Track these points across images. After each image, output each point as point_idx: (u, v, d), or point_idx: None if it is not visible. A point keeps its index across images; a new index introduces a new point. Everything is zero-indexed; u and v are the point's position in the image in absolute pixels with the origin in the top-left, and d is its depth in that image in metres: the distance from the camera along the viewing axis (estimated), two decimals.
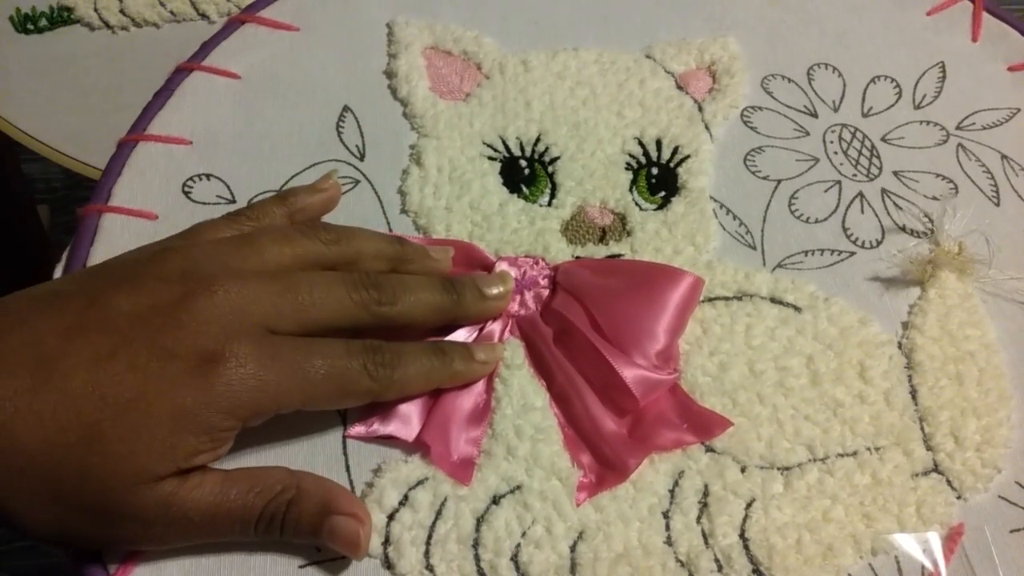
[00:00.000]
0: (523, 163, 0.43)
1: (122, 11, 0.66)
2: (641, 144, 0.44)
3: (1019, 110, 0.46)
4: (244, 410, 0.30)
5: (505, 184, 0.42)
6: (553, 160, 0.43)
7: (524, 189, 0.42)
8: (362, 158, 0.43)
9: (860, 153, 0.45)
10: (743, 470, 0.34)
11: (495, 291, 0.37)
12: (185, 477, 0.30)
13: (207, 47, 0.47)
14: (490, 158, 0.43)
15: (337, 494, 0.32)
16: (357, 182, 0.43)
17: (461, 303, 0.36)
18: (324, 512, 0.31)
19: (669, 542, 0.33)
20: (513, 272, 0.38)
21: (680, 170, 0.43)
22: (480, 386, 0.36)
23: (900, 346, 0.38)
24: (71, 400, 0.29)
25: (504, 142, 0.43)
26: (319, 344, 0.32)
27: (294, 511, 0.31)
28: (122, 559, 0.32)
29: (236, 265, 0.33)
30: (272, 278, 0.33)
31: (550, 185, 0.42)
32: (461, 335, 0.37)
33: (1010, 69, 0.48)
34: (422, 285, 0.36)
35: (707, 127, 0.45)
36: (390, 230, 0.41)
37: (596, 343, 0.35)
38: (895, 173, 0.44)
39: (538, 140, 0.43)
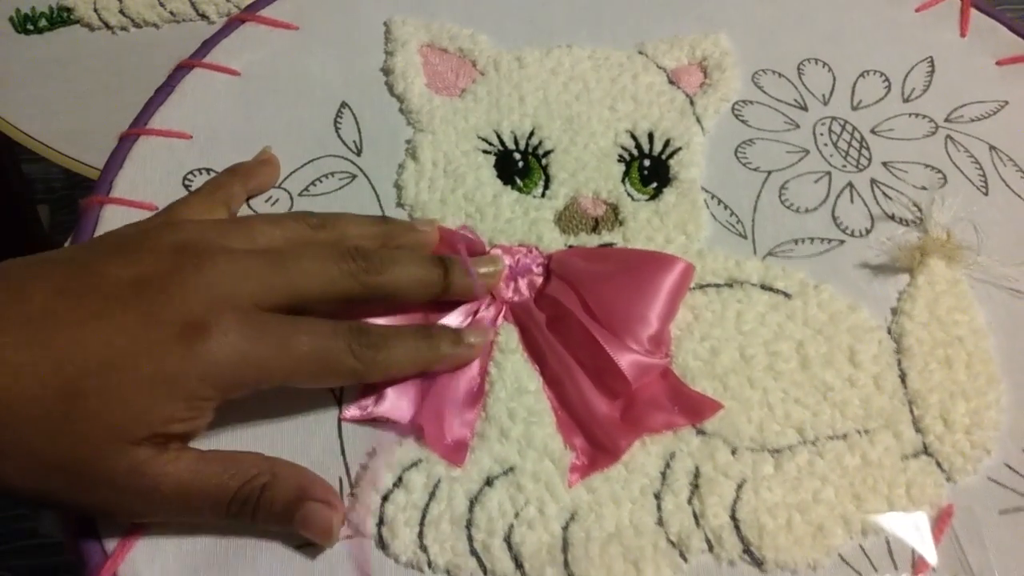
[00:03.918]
0: (517, 156, 0.43)
1: (122, 11, 0.66)
2: (633, 137, 0.44)
3: (1007, 103, 0.47)
4: (224, 380, 0.31)
5: (499, 176, 0.43)
6: (547, 153, 0.43)
7: (518, 181, 0.43)
8: (359, 153, 0.44)
9: (850, 145, 0.45)
10: (734, 452, 0.35)
11: (483, 270, 0.37)
12: (161, 449, 0.31)
13: (208, 45, 0.48)
14: (484, 152, 0.44)
15: (311, 481, 0.33)
16: (354, 177, 0.43)
17: (449, 278, 0.36)
18: (298, 498, 0.32)
19: (660, 522, 0.33)
20: (507, 260, 0.39)
21: (672, 162, 0.43)
22: (474, 369, 0.36)
23: (889, 331, 0.39)
24: (53, 356, 0.29)
25: (499, 136, 0.44)
26: (306, 322, 0.33)
27: (268, 495, 0.32)
28: (119, 540, 0.32)
29: (227, 242, 0.34)
30: (261, 254, 0.33)
31: (544, 177, 0.43)
32: (455, 321, 0.37)
33: (998, 63, 0.49)
34: (410, 258, 0.36)
35: (698, 120, 0.45)
36: None
37: (590, 327, 0.36)
38: (884, 164, 0.45)
39: (532, 134, 0.44)
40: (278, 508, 0.32)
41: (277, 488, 0.32)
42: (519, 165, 0.43)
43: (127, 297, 0.31)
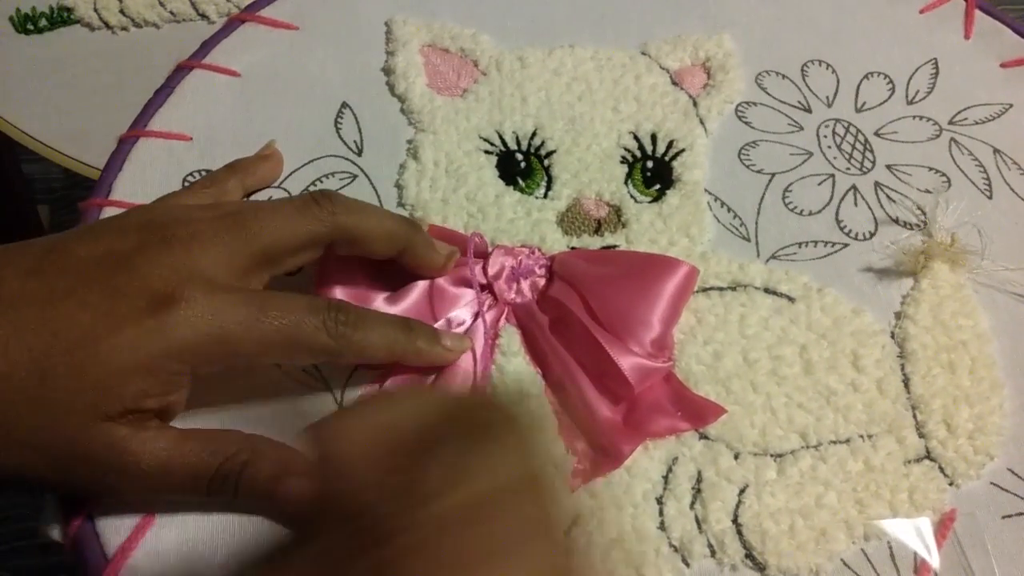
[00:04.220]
0: (519, 157, 0.43)
1: (122, 11, 0.66)
2: (636, 138, 0.44)
3: (1011, 105, 0.47)
4: (192, 354, 0.31)
5: (501, 177, 0.43)
6: (549, 154, 0.43)
7: (520, 182, 0.43)
8: (360, 153, 0.44)
9: (853, 147, 0.45)
10: (736, 457, 0.35)
11: (445, 251, 0.38)
12: (140, 427, 0.31)
13: (207, 45, 0.48)
14: (486, 152, 0.43)
15: (292, 456, 0.33)
16: (355, 177, 0.43)
17: (413, 240, 0.36)
18: (280, 474, 0.32)
19: (663, 527, 0.33)
20: (510, 261, 0.39)
21: (675, 164, 0.43)
22: (476, 372, 0.36)
23: (893, 335, 0.38)
24: (23, 335, 0.29)
25: (500, 136, 0.44)
26: (278, 296, 0.33)
27: (249, 472, 0.32)
28: (119, 545, 0.32)
29: (193, 217, 0.34)
30: (221, 218, 0.33)
31: (546, 178, 0.43)
32: (461, 317, 0.37)
33: (1003, 66, 0.49)
34: (377, 208, 0.37)
35: (702, 122, 0.45)
36: None
37: (592, 330, 0.36)
38: (888, 167, 0.44)
39: (534, 134, 0.44)
40: (259, 484, 0.32)
41: (258, 465, 0.32)
42: (521, 166, 0.43)
43: (94, 274, 0.31)
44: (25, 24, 0.66)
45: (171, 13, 0.66)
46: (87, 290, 0.30)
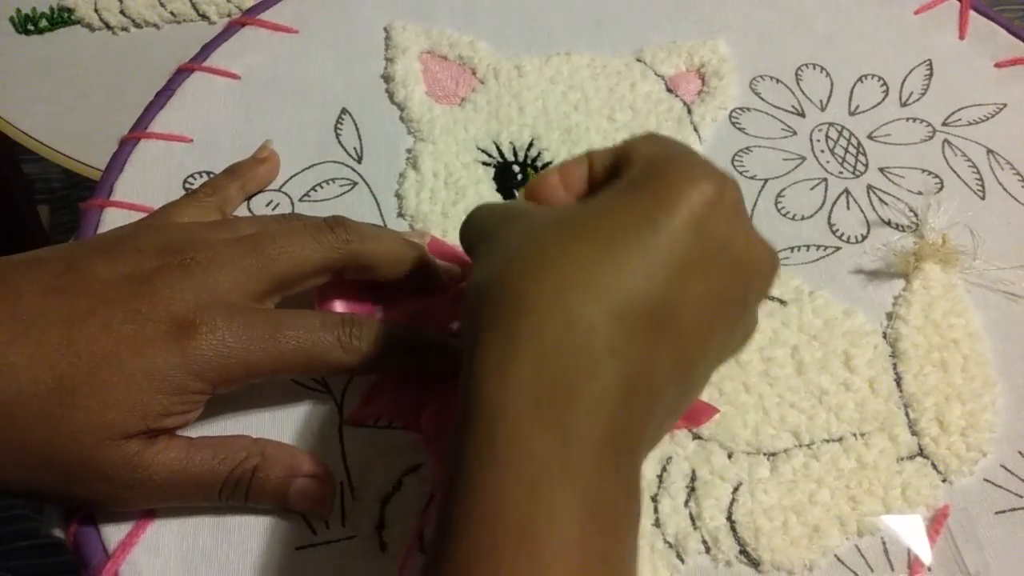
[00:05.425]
0: (516, 168, 0.44)
1: (122, 12, 0.67)
2: None
3: (1005, 105, 0.47)
4: (214, 375, 0.31)
5: (499, 190, 0.43)
6: (546, 165, 0.44)
7: (517, 194, 0.43)
8: (360, 160, 0.44)
9: (846, 151, 0.45)
10: (730, 456, 0.35)
11: (447, 271, 0.38)
12: (151, 440, 0.31)
13: (208, 48, 0.48)
14: (484, 163, 0.44)
15: (301, 457, 0.33)
16: (355, 184, 0.43)
17: (420, 263, 0.37)
18: (290, 475, 0.33)
19: (658, 524, 0.34)
20: None
21: None
22: None
23: (885, 336, 0.39)
24: (46, 353, 0.30)
25: (498, 147, 0.44)
26: (293, 315, 0.33)
27: (260, 476, 0.32)
28: (121, 540, 0.32)
29: (211, 238, 0.34)
30: (239, 241, 0.34)
31: None
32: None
33: (997, 65, 0.49)
34: (388, 233, 0.38)
35: (696, 129, 0.46)
36: None
37: None
38: (881, 170, 0.45)
39: (531, 145, 0.44)
40: (270, 488, 0.33)
41: (268, 468, 0.33)
42: (518, 177, 0.43)
43: (115, 296, 0.31)
44: (25, 24, 0.67)
45: (171, 14, 0.67)
46: (109, 312, 0.31)
